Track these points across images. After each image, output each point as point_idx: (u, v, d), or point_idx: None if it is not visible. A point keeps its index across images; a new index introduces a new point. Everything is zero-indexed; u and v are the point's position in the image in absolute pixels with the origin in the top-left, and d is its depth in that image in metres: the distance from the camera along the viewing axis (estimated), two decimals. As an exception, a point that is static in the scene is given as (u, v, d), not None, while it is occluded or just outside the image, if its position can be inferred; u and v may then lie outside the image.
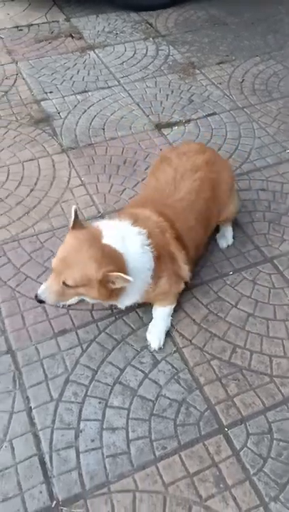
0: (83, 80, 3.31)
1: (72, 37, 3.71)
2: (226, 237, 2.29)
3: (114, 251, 1.66)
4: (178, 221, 1.90)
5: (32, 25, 3.86)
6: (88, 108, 3.07)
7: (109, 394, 1.75)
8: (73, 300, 1.93)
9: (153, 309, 1.96)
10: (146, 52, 3.60)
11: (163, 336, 1.90)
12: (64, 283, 1.64)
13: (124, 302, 1.84)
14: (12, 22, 3.88)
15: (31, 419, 1.68)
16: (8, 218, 2.39)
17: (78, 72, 3.38)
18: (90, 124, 2.96)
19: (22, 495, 1.51)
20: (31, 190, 2.54)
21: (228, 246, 2.28)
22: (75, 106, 3.09)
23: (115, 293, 1.71)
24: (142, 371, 1.82)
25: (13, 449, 1.61)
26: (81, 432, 1.65)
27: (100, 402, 1.73)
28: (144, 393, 1.76)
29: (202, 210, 1.99)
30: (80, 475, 1.56)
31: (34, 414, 1.69)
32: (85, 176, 2.62)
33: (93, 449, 1.61)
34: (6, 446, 1.61)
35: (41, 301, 1.70)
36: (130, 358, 1.86)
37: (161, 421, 1.69)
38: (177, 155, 2.07)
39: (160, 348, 1.88)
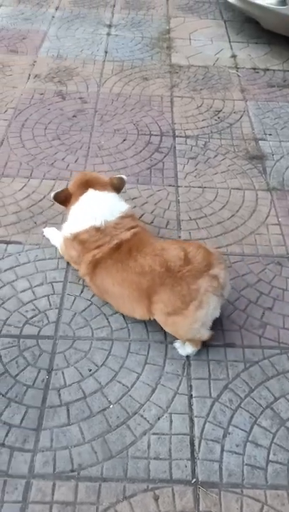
0: (302, 130, 3.55)
1: (302, 89, 3.97)
2: (184, 347, 2.13)
3: (85, 194, 2.26)
4: (120, 262, 2.08)
5: (268, 69, 4.23)
6: (300, 157, 3.30)
7: (260, 414, 1.95)
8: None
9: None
10: None
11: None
12: None
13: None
14: (251, 63, 4.31)
15: (190, 404, 1.97)
16: (208, 233, 2.74)
17: (300, 122, 3.63)
18: (299, 172, 3.18)
19: (170, 461, 1.80)
20: (232, 216, 2.86)
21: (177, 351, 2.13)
22: (289, 152, 3.34)
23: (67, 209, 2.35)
24: (294, 407, 1.98)
25: (171, 421, 1.91)
26: (229, 434, 1.88)
27: (250, 417, 1.94)
28: (291, 427, 1.92)
29: (137, 282, 2.03)
30: (221, 468, 1.79)
31: (193, 401, 1.98)
32: (282, 218, 2.85)
33: (236, 453, 1.83)
34: (166, 417, 1.92)
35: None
36: (286, 392, 2.03)
37: (301, 458, 1.83)
38: (183, 243, 2.16)
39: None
